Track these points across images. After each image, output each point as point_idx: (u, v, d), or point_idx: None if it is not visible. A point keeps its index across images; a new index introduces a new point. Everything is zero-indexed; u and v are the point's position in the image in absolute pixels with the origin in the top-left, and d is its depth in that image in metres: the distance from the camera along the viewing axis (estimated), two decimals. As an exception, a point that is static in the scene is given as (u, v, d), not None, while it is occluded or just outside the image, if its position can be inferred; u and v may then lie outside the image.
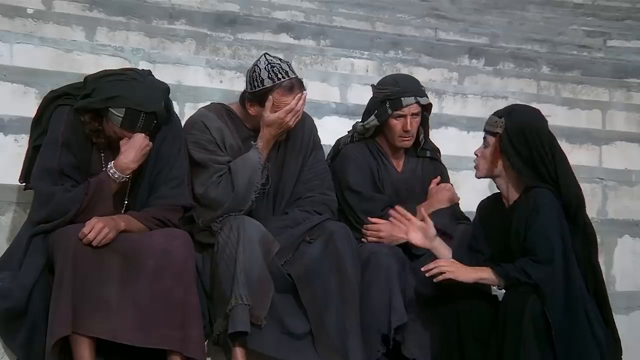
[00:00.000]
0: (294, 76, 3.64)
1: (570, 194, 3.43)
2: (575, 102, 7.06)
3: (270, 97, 3.60)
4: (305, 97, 3.67)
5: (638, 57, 8.87)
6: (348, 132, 4.09)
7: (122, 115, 3.33)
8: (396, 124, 3.85)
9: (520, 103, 3.63)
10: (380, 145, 3.98)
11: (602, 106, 7.08)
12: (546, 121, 3.53)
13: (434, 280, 3.39)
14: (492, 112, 3.55)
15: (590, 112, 6.96)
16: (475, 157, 3.56)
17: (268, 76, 3.60)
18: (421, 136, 3.99)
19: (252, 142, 3.67)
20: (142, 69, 3.53)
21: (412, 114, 3.84)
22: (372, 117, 3.89)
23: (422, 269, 3.44)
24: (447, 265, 3.40)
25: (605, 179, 5.52)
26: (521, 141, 3.42)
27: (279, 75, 3.61)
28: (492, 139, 3.50)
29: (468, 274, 3.37)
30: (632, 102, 7.47)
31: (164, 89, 3.46)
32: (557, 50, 8.97)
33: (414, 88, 3.86)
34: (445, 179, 4.02)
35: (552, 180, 3.42)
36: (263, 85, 3.61)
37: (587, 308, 3.37)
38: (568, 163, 3.52)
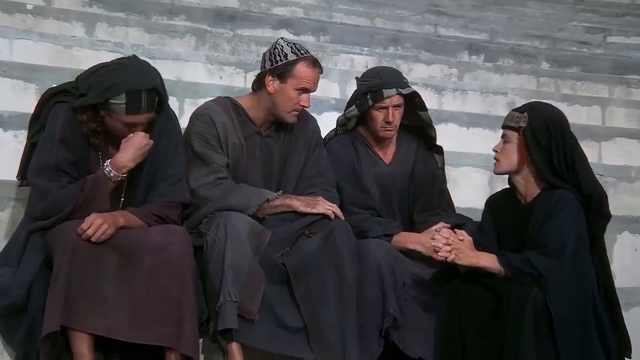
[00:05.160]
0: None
1: (590, 187, 3.43)
2: (574, 99, 7.05)
3: (294, 71, 3.65)
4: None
5: (638, 54, 8.86)
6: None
7: (123, 102, 3.29)
8: (378, 115, 3.89)
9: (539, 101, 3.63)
10: (363, 136, 4.00)
11: (602, 102, 7.07)
12: (568, 121, 3.53)
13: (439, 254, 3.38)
14: (502, 109, 3.53)
15: (589, 108, 6.96)
16: (495, 153, 3.55)
17: (292, 51, 3.70)
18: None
19: (258, 133, 3.70)
20: (129, 55, 3.52)
21: (394, 106, 3.87)
22: (353, 107, 3.93)
23: (433, 243, 3.43)
24: (454, 246, 3.38)
25: (605, 176, 5.50)
26: (544, 135, 3.43)
27: (302, 51, 3.72)
28: (513, 134, 3.49)
29: (468, 258, 3.37)
30: (632, 98, 7.46)
31: (156, 69, 3.43)
32: (556, 47, 8.95)
33: (396, 80, 3.89)
34: (438, 179, 4.03)
35: (568, 176, 3.42)
36: (287, 59, 3.67)
37: (597, 309, 3.37)
38: (587, 161, 3.53)
